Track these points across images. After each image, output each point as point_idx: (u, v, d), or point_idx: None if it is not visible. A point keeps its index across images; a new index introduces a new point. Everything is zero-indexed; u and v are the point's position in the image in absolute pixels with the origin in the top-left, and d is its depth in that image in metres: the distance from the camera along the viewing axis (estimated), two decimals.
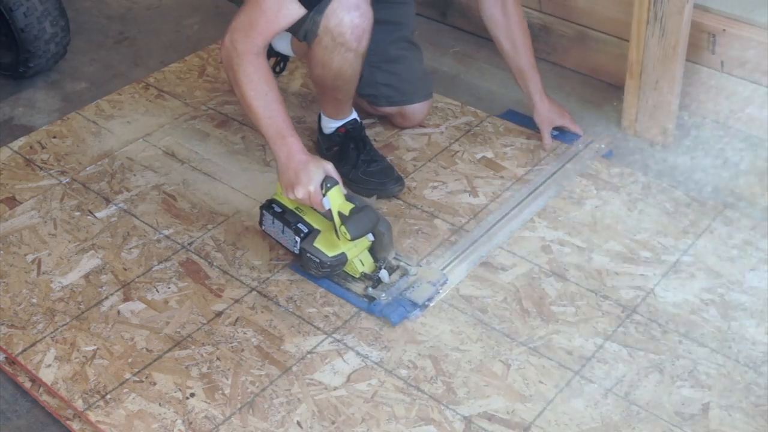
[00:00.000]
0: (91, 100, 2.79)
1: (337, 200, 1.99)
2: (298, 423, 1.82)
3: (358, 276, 2.09)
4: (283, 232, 2.10)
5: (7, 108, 2.79)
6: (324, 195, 1.99)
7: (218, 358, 1.96)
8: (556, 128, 2.50)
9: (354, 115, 2.41)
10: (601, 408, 1.83)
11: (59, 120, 2.70)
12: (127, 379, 1.92)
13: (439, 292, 2.07)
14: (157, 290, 2.13)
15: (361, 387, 1.89)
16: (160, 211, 2.35)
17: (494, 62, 2.86)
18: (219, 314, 2.06)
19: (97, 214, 2.35)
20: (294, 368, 1.94)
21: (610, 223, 2.25)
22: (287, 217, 2.09)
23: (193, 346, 1.99)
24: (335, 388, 1.89)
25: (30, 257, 2.23)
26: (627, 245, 2.19)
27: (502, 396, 1.86)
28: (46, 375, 1.93)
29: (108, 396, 1.89)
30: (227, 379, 1.92)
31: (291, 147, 2.02)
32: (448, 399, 1.86)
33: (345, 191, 2.02)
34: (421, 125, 2.58)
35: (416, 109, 2.54)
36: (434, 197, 2.36)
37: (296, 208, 2.11)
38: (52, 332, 2.03)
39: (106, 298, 2.11)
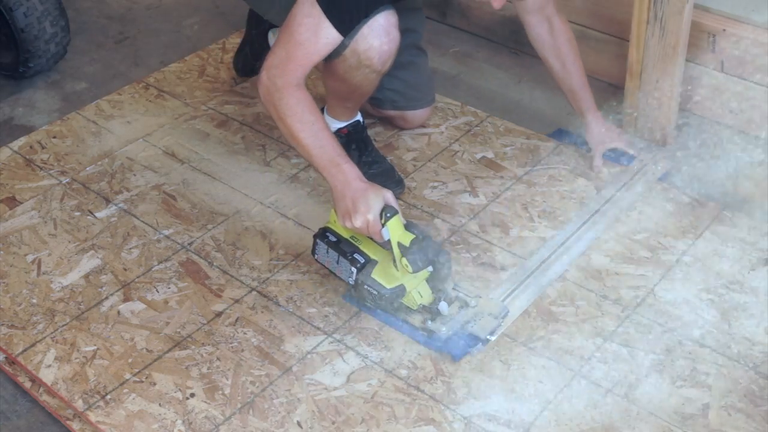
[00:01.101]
0: (91, 100, 2.79)
1: (397, 230, 1.91)
2: (298, 423, 1.82)
3: (415, 308, 2.00)
4: (338, 262, 2.00)
5: (7, 108, 2.79)
6: (383, 224, 1.91)
7: (218, 359, 1.96)
8: (610, 150, 2.41)
9: (358, 116, 2.40)
10: (601, 408, 1.83)
11: (59, 120, 2.70)
12: (127, 380, 1.92)
13: (500, 325, 1.98)
14: (157, 290, 2.13)
15: (361, 387, 1.89)
16: (160, 211, 2.35)
17: (494, 62, 2.87)
18: (219, 314, 2.06)
19: (97, 214, 2.35)
20: (294, 368, 1.94)
21: (610, 223, 2.25)
22: (342, 246, 2.00)
23: (193, 347, 1.99)
24: (335, 388, 1.89)
25: (30, 257, 2.23)
26: (627, 245, 2.19)
27: (502, 396, 1.86)
28: (46, 375, 1.93)
29: (108, 396, 1.89)
30: (227, 379, 1.92)
31: (347, 174, 1.95)
32: (448, 399, 1.86)
33: (404, 220, 1.94)
34: (422, 126, 2.59)
35: (418, 114, 2.54)
36: (434, 197, 2.36)
37: (351, 237, 2.01)
38: (52, 332, 2.03)
39: (106, 298, 2.11)
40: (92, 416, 1.85)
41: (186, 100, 2.76)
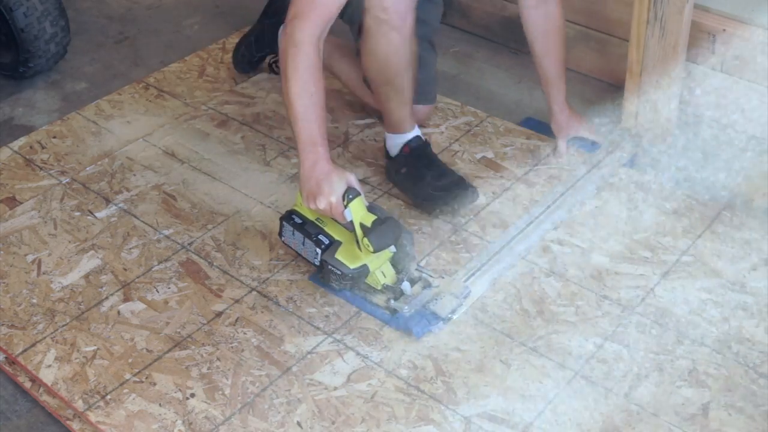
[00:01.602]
0: (91, 100, 2.79)
1: (359, 212, 1.95)
2: (298, 423, 1.82)
3: (379, 288, 2.04)
4: (303, 243, 2.05)
5: (7, 108, 2.79)
6: (346, 206, 1.94)
7: (218, 359, 1.96)
8: (576, 138, 2.45)
9: (416, 131, 2.36)
10: (601, 408, 1.83)
11: (59, 120, 2.70)
12: (127, 380, 1.92)
13: (462, 305, 2.03)
14: (157, 290, 2.13)
15: (361, 387, 1.89)
16: (160, 211, 2.35)
17: (494, 62, 2.87)
18: (219, 314, 2.06)
19: (97, 214, 2.35)
20: (294, 368, 1.94)
21: (610, 223, 2.26)
22: (308, 228, 2.05)
23: (193, 347, 1.99)
24: (335, 388, 1.89)
25: (30, 257, 2.23)
26: (627, 245, 2.19)
27: (502, 396, 1.86)
28: (47, 375, 1.93)
29: (108, 396, 1.89)
30: (227, 379, 1.92)
31: (318, 155, 1.97)
32: (448, 399, 1.86)
33: (367, 203, 1.98)
34: (422, 125, 2.58)
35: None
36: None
37: (317, 219, 2.05)
38: (52, 332, 2.03)
39: (106, 298, 2.11)
40: (92, 416, 1.85)
41: (186, 100, 2.76)
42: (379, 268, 2.03)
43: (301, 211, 2.07)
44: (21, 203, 2.39)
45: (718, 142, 2.45)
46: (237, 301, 2.09)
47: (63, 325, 2.05)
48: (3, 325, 2.05)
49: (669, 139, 2.46)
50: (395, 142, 2.37)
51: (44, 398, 1.92)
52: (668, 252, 2.17)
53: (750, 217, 2.25)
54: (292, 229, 2.07)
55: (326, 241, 2.02)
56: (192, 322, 2.05)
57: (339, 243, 2.02)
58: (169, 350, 1.98)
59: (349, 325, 2.03)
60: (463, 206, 2.29)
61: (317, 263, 2.04)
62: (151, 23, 3.21)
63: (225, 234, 2.28)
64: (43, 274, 2.18)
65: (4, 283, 2.16)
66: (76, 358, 1.97)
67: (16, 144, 2.61)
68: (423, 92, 2.49)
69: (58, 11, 2.80)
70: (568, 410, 1.83)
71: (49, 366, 1.95)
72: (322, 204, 1.96)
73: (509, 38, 2.88)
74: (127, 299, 2.11)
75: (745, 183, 2.32)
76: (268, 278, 2.15)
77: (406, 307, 2.00)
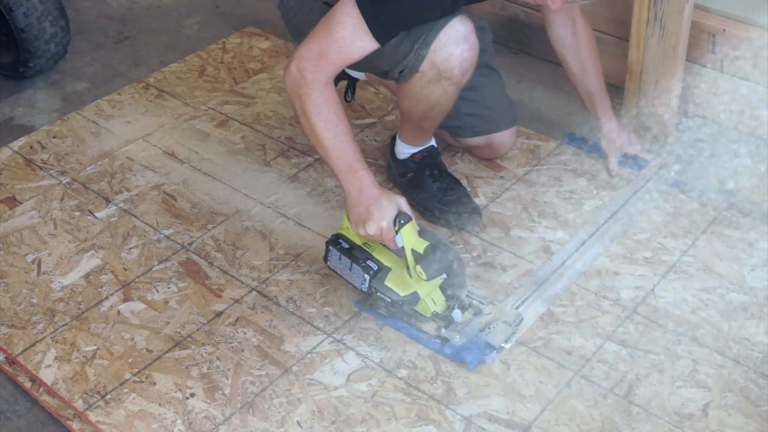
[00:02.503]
0: (91, 100, 2.79)
1: (411, 237, 1.88)
2: (298, 423, 1.82)
3: (429, 315, 1.97)
4: (350, 269, 1.98)
5: (7, 108, 2.79)
6: (397, 232, 1.89)
7: (218, 358, 1.96)
8: (623, 155, 2.40)
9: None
10: (601, 408, 1.83)
11: (59, 120, 2.70)
12: (127, 379, 1.92)
13: (515, 333, 1.96)
14: (157, 290, 2.13)
15: (361, 387, 1.89)
16: (160, 211, 2.35)
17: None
18: (219, 314, 2.06)
19: (97, 214, 2.35)
20: (294, 368, 1.94)
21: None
22: (355, 253, 1.97)
23: (193, 346, 1.99)
24: (335, 388, 1.89)
25: (30, 257, 2.23)
26: (627, 245, 2.19)
27: (502, 396, 1.86)
28: (46, 375, 1.93)
29: (108, 396, 1.89)
30: (227, 379, 1.92)
31: (362, 181, 1.91)
32: (448, 399, 1.86)
33: (418, 227, 1.92)
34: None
35: (503, 138, 2.39)
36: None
37: (364, 244, 1.98)
38: (52, 332, 2.03)
39: (106, 298, 2.11)
40: (92, 416, 1.85)
41: (186, 100, 2.76)
42: (430, 295, 1.96)
43: (348, 236, 2.00)
44: (21, 203, 2.39)
45: (717, 142, 2.45)
46: (237, 301, 2.09)
47: (63, 325, 2.05)
48: (3, 325, 2.05)
49: (669, 139, 2.46)
50: (406, 150, 2.33)
51: (44, 398, 1.92)
52: (668, 252, 2.17)
53: (750, 217, 2.25)
54: (338, 254, 1.99)
55: (375, 267, 1.95)
56: (192, 322, 2.05)
57: (388, 269, 1.95)
58: (169, 350, 1.98)
59: (349, 325, 2.03)
60: (464, 227, 2.25)
61: (365, 289, 1.97)
62: (151, 23, 3.21)
63: (225, 234, 2.28)
64: (43, 274, 2.18)
65: (4, 283, 2.16)
66: (76, 358, 1.97)
67: (16, 144, 2.61)
68: (502, 116, 2.38)
69: (58, 11, 2.80)
70: (568, 410, 1.83)
71: (49, 366, 1.95)
72: (372, 229, 1.90)
73: (509, 38, 2.88)
74: (127, 299, 2.11)
75: (745, 183, 2.32)
76: (268, 278, 2.15)
77: (458, 336, 1.94)
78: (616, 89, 2.60)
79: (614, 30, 2.64)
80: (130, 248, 2.24)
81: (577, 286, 2.09)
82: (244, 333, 2.02)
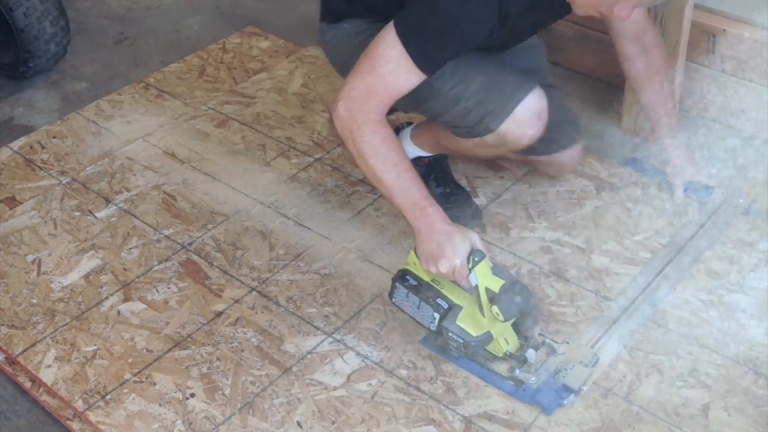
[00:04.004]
0: (91, 100, 2.79)
1: (485, 276, 1.80)
2: (298, 423, 1.82)
3: (500, 355, 1.89)
4: (419, 307, 1.90)
5: (7, 108, 2.79)
6: (471, 270, 1.80)
7: (218, 359, 1.96)
8: (689, 182, 2.30)
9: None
10: (601, 408, 1.83)
11: (59, 120, 2.71)
12: (127, 380, 1.92)
13: (591, 374, 1.87)
14: (157, 290, 2.13)
15: (361, 387, 1.89)
16: (160, 211, 2.35)
17: None
18: (219, 314, 2.06)
19: (97, 214, 2.35)
20: (294, 368, 1.94)
21: (610, 223, 2.26)
22: (424, 291, 1.89)
23: (193, 347, 1.99)
24: (335, 388, 1.89)
25: (30, 257, 2.23)
26: (627, 245, 2.19)
27: (502, 396, 1.86)
28: (46, 375, 1.93)
29: (108, 396, 1.89)
30: (227, 379, 1.92)
31: (432, 217, 1.84)
32: (448, 399, 1.86)
33: (492, 264, 1.84)
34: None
35: (566, 157, 2.30)
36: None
37: (432, 280, 1.90)
38: (52, 332, 2.03)
39: (106, 298, 2.11)
40: (92, 416, 1.85)
41: (186, 100, 2.76)
42: (503, 334, 1.87)
43: (415, 272, 1.92)
44: (21, 203, 2.39)
45: (717, 142, 2.45)
46: (237, 301, 2.09)
47: (63, 325, 2.05)
48: (3, 325, 2.05)
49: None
50: (415, 151, 2.28)
51: (44, 398, 1.92)
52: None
53: (750, 217, 2.25)
54: (406, 291, 1.92)
55: (445, 306, 1.87)
56: (192, 322, 2.05)
57: (459, 307, 1.87)
58: (169, 350, 1.98)
59: (349, 325, 2.03)
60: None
61: (433, 328, 1.89)
62: (151, 23, 3.21)
63: (225, 234, 2.28)
64: (43, 274, 2.18)
65: (4, 283, 2.16)
66: (76, 358, 1.97)
67: (16, 144, 2.61)
68: (565, 134, 2.27)
69: (58, 11, 2.80)
70: (568, 410, 1.83)
71: (49, 366, 1.95)
72: (445, 268, 1.82)
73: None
74: (127, 299, 2.11)
75: (745, 183, 2.32)
76: (268, 278, 2.15)
77: (533, 378, 1.86)
78: (616, 89, 2.60)
79: None
80: (130, 248, 2.24)
81: (576, 286, 2.09)
82: (244, 333, 2.02)
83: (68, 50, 2.92)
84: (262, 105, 2.72)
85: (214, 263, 2.20)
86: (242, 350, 1.98)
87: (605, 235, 2.22)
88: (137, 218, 2.33)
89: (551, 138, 2.14)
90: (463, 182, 2.39)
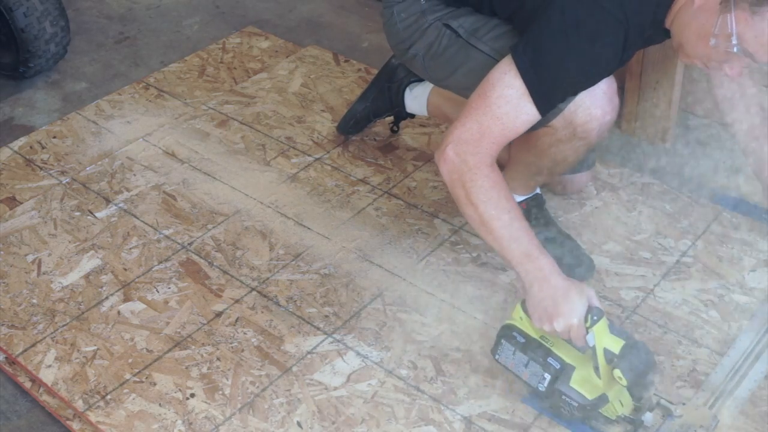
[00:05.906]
0: (91, 100, 2.79)
1: (604, 336, 1.69)
2: (298, 423, 1.82)
3: (614, 418, 1.77)
4: (526, 365, 1.78)
5: (7, 108, 2.79)
6: (588, 329, 1.69)
7: (218, 359, 1.96)
8: None
9: (537, 189, 2.17)
10: None
11: (59, 120, 2.71)
12: (127, 380, 1.92)
13: None
14: (157, 290, 2.13)
15: (361, 387, 1.89)
16: (160, 211, 2.35)
17: None
18: (219, 314, 2.06)
19: (97, 214, 2.35)
20: (294, 368, 1.94)
21: (610, 223, 2.26)
22: (533, 349, 1.77)
23: (193, 347, 1.99)
24: (335, 388, 1.89)
25: (30, 257, 2.23)
26: (627, 246, 2.19)
27: (502, 396, 1.86)
28: (47, 375, 1.93)
29: (108, 396, 1.89)
30: (227, 379, 1.92)
31: (544, 270, 1.72)
32: (448, 399, 1.86)
33: (609, 321, 1.72)
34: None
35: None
36: (434, 197, 2.36)
37: (541, 337, 1.78)
38: (52, 332, 2.03)
39: (106, 298, 2.11)
40: (92, 416, 1.85)
41: (186, 100, 2.76)
42: (618, 396, 1.75)
43: (522, 327, 1.80)
44: (21, 203, 2.39)
45: (717, 143, 2.45)
46: (237, 301, 2.09)
47: (63, 325, 2.05)
48: (3, 325, 2.05)
49: (669, 139, 2.46)
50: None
51: (44, 398, 1.92)
52: (668, 252, 2.17)
53: (749, 218, 2.25)
54: (513, 348, 1.79)
55: (558, 366, 1.75)
56: (192, 322, 2.05)
57: (571, 368, 1.75)
58: (169, 350, 1.98)
59: (349, 325, 2.03)
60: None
61: (542, 389, 1.77)
62: (151, 23, 3.21)
63: (225, 234, 2.28)
64: (43, 274, 2.18)
65: (4, 283, 2.16)
66: (76, 358, 1.97)
67: (16, 144, 2.61)
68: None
69: (58, 11, 2.80)
70: None
71: (49, 366, 1.95)
72: (560, 326, 1.70)
73: None
74: (127, 299, 2.11)
75: (745, 184, 2.32)
76: (268, 278, 2.15)
77: None
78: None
79: None
80: (130, 248, 2.24)
81: None
82: (244, 333, 2.02)
83: (68, 50, 2.92)
84: (262, 105, 2.72)
85: (214, 263, 2.20)
86: (242, 350, 1.98)
87: (605, 235, 2.22)
88: (137, 218, 2.33)
89: None
90: None
